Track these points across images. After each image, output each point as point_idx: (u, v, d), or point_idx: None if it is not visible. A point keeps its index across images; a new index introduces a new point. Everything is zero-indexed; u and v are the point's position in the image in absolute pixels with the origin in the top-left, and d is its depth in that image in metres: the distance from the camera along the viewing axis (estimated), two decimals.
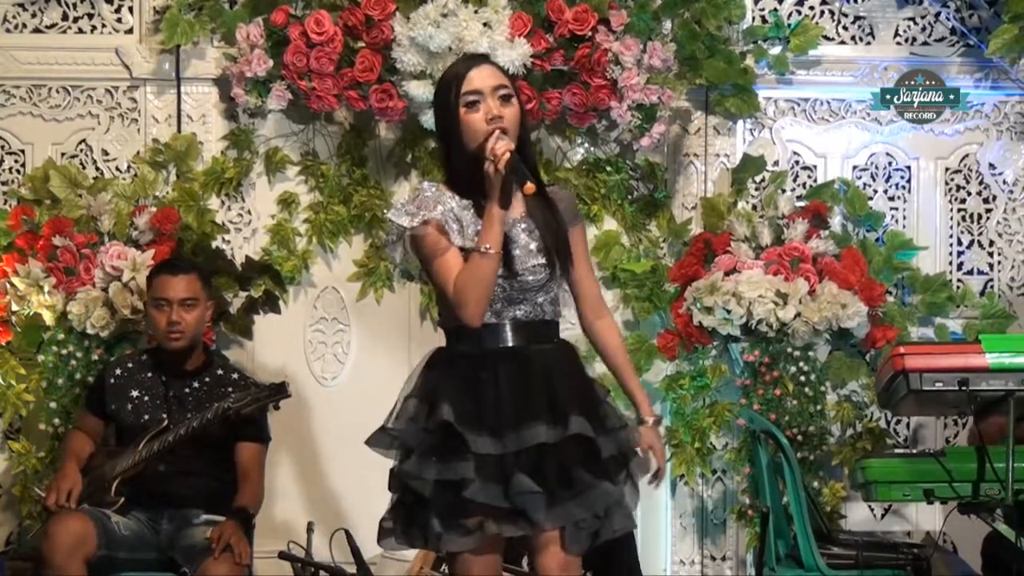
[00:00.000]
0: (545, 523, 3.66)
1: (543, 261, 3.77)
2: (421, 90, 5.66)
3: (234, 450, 5.21)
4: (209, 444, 5.14)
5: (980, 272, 6.15)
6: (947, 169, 6.15)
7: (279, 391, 5.14)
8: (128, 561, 5.04)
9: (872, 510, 6.00)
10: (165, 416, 5.19)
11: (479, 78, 3.75)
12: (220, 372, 5.33)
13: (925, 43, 6.13)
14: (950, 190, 6.15)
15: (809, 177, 6.15)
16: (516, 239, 3.76)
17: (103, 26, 6.10)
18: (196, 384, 5.29)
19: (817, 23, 6.08)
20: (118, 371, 5.32)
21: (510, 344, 3.75)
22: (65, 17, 6.09)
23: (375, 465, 6.07)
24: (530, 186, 3.65)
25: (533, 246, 3.77)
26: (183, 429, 5.08)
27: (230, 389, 5.25)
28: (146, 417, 5.21)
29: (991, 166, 6.14)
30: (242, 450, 5.22)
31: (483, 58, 3.91)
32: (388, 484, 3.86)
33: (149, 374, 5.30)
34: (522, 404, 3.69)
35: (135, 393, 5.26)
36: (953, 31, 6.12)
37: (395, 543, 3.82)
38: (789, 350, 5.74)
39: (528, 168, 3.76)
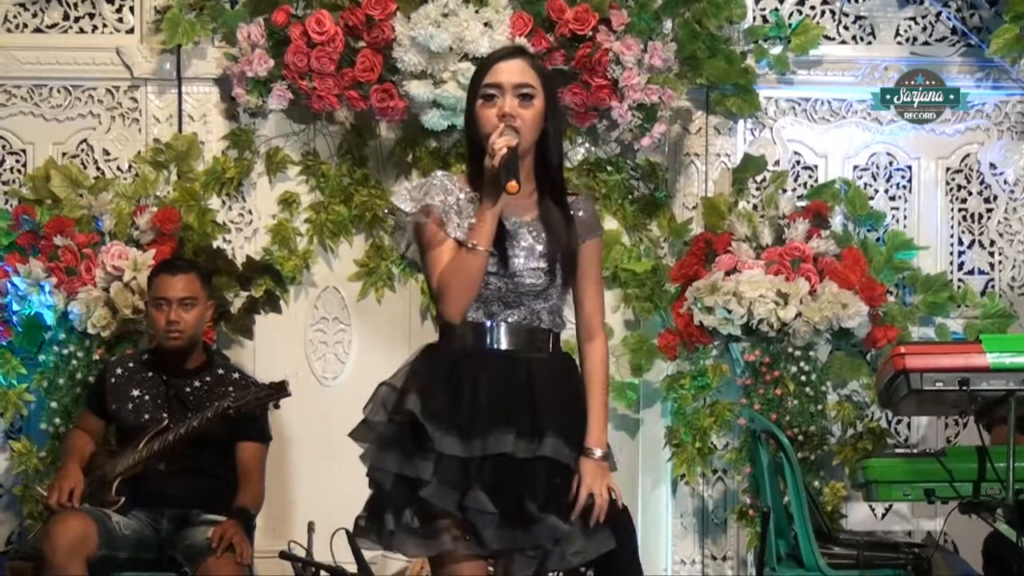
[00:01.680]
0: (492, 544, 3.55)
1: (544, 266, 3.65)
2: (422, 90, 5.66)
3: (234, 450, 5.21)
4: (209, 443, 5.14)
5: (981, 272, 6.15)
6: (948, 169, 6.15)
7: (279, 390, 5.13)
8: (128, 561, 5.04)
9: (873, 510, 6.00)
10: (165, 415, 5.19)
11: (503, 72, 3.63)
12: (221, 372, 5.34)
13: (926, 43, 6.13)
14: (951, 190, 6.15)
15: (810, 177, 6.15)
16: (520, 240, 3.65)
17: (104, 26, 6.10)
18: (197, 383, 5.29)
19: (818, 23, 6.08)
20: (119, 370, 5.32)
21: (500, 347, 3.64)
22: (66, 17, 6.09)
23: None
24: (513, 184, 3.50)
25: (537, 250, 3.66)
26: (183, 428, 5.08)
27: (230, 388, 5.26)
28: (146, 416, 5.21)
29: (992, 166, 6.14)
30: (243, 450, 5.22)
31: (517, 51, 3.74)
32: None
33: (150, 373, 5.30)
34: (498, 410, 3.56)
35: (136, 392, 5.26)
36: (954, 31, 6.12)
37: (365, 539, 3.67)
38: (790, 350, 5.74)
39: (550, 173, 3.68)
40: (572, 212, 3.73)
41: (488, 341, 3.64)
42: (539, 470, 3.56)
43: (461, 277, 3.58)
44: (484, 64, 3.69)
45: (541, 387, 3.61)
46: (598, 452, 3.65)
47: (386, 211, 3.79)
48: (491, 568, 3.72)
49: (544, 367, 3.65)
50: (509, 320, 3.65)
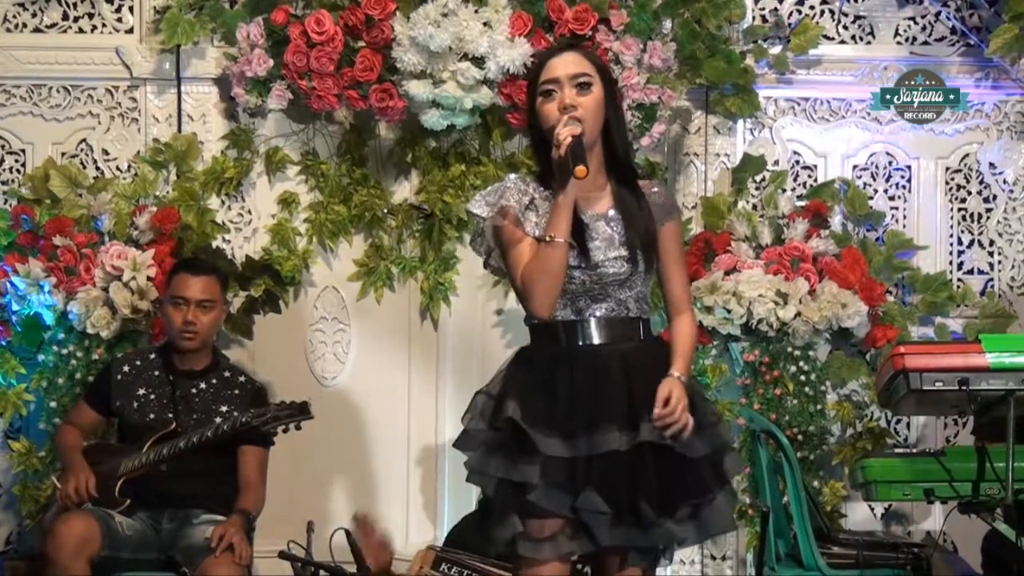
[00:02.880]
0: (607, 541, 3.58)
1: (625, 254, 3.68)
2: (421, 90, 5.66)
3: (236, 452, 5.20)
4: (212, 446, 5.12)
5: (980, 272, 6.15)
6: (947, 169, 6.15)
7: (302, 411, 5.07)
8: (130, 562, 5.03)
9: (872, 510, 6.00)
10: (171, 416, 5.18)
11: (559, 66, 3.68)
12: (227, 374, 5.32)
13: (925, 43, 6.13)
14: (950, 190, 6.15)
15: (809, 177, 6.15)
16: (598, 231, 3.69)
17: (103, 26, 6.10)
18: (203, 385, 5.27)
19: (817, 23, 6.08)
20: (125, 368, 5.30)
21: (592, 342, 3.66)
22: (65, 17, 6.09)
23: (375, 465, 6.10)
24: (581, 169, 3.54)
25: (616, 239, 3.69)
26: (196, 438, 5.04)
27: (236, 392, 5.25)
28: (151, 416, 5.20)
29: (991, 166, 6.14)
30: (245, 454, 5.20)
31: (569, 46, 3.83)
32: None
33: (156, 373, 5.28)
34: (597, 406, 3.59)
35: (142, 391, 5.24)
36: (953, 31, 6.12)
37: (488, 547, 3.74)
38: (789, 350, 5.75)
39: (617, 154, 3.71)
40: (647, 197, 3.76)
41: (580, 338, 3.67)
42: (645, 460, 3.57)
43: (544, 272, 3.61)
44: (538, 64, 3.76)
45: (636, 376, 3.63)
46: (676, 373, 3.66)
47: (474, 230, 3.78)
48: (580, 566, 3.74)
49: (637, 356, 3.67)
50: (598, 314, 3.68)
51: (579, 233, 3.66)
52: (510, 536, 3.60)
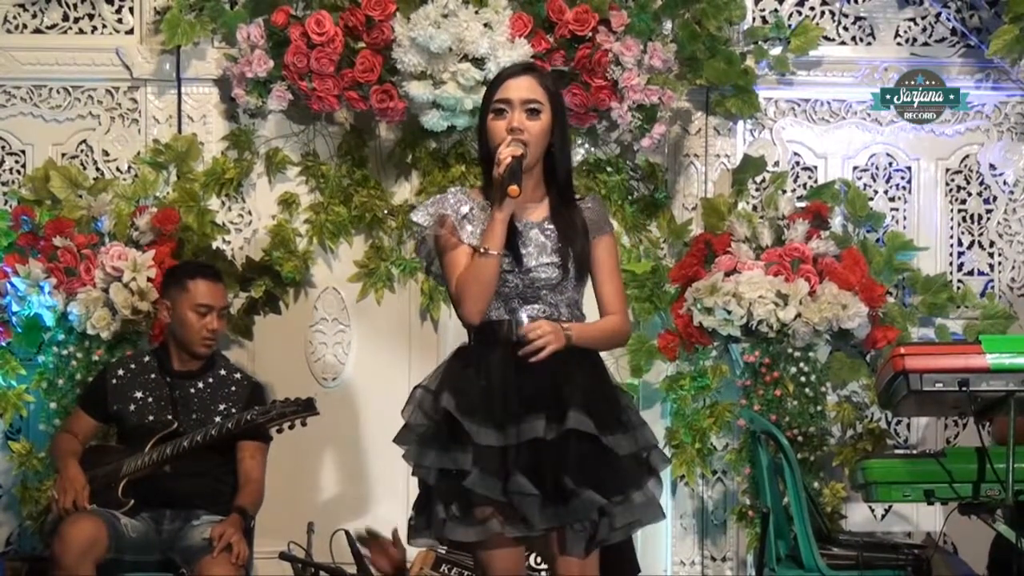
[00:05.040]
0: (539, 524, 3.73)
1: (556, 260, 3.86)
2: (421, 91, 5.66)
3: (235, 448, 5.20)
4: (213, 445, 5.12)
5: (980, 273, 6.15)
6: (947, 170, 6.15)
7: (307, 408, 5.09)
8: (133, 563, 5.03)
9: (872, 511, 6.01)
10: (171, 417, 5.18)
11: (513, 89, 3.88)
12: (223, 372, 5.32)
13: (925, 44, 6.13)
14: (950, 191, 6.15)
15: (809, 178, 6.15)
16: (531, 238, 3.87)
17: (104, 27, 6.10)
18: (200, 385, 5.27)
19: (817, 24, 6.08)
20: (120, 372, 5.30)
21: (523, 338, 3.80)
22: (66, 18, 6.09)
23: (375, 465, 6.10)
24: (514, 189, 3.74)
25: (548, 246, 3.87)
26: (200, 436, 5.05)
27: (234, 389, 5.25)
28: (150, 418, 5.20)
29: (991, 167, 6.14)
30: (244, 449, 5.19)
31: (528, 68, 3.99)
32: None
33: (152, 375, 5.28)
34: (526, 399, 3.75)
35: (138, 394, 5.24)
36: (954, 32, 6.12)
37: (419, 538, 3.87)
38: (789, 351, 5.74)
39: (557, 178, 3.91)
40: (582, 212, 3.95)
41: (512, 334, 3.83)
42: (570, 446, 3.73)
43: (476, 281, 3.81)
44: (496, 81, 3.95)
45: (564, 373, 3.79)
46: (566, 327, 3.81)
47: (402, 220, 3.94)
48: (537, 562, 3.81)
49: (566, 355, 3.81)
50: (530, 313, 3.85)
51: (513, 240, 3.84)
52: (450, 521, 3.76)
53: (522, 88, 3.87)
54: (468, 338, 3.91)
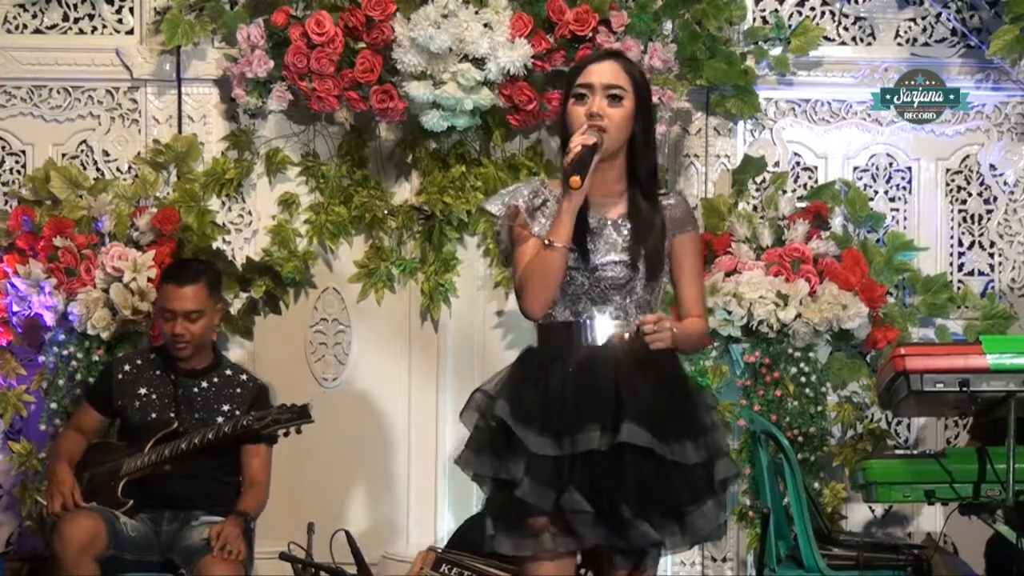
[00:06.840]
0: (590, 540, 3.63)
1: (626, 259, 3.72)
2: (422, 91, 5.66)
3: (238, 452, 5.19)
4: (215, 447, 5.11)
5: (981, 273, 6.15)
6: (948, 170, 6.15)
7: (302, 415, 5.07)
8: (133, 562, 5.03)
9: (873, 511, 6.00)
10: (173, 415, 5.17)
11: (595, 73, 3.73)
12: (228, 372, 5.30)
13: (926, 44, 6.13)
14: (951, 191, 6.15)
15: (810, 178, 6.15)
16: (603, 235, 3.73)
17: (104, 27, 6.10)
18: (205, 384, 5.26)
19: (818, 24, 6.08)
20: (126, 367, 5.29)
21: (588, 343, 3.69)
22: (66, 18, 6.09)
23: (375, 466, 6.10)
24: (575, 180, 3.58)
25: (619, 244, 3.73)
26: (197, 439, 5.04)
27: (238, 390, 5.24)
28: (153, 416, 5.19)
29: (992, 167, 6.14)
30: (249, 453, 5.18)
31: (614, 54, 3.87)
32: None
33: (158, 372, 5.27)
34: (584, 407, 3.62)
35: (143, 391, 5.23)
36: (954, 32, 6.12)
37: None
38: (790, 351, 5.74)
39: (642, 173, 3.75)
40: (663, 209, 3.80)
41: (577, 338, 3.70)
42: (627, 464, 3.59)
43: (539, 273, 3.66)
44: (578, 66, 3.82)
45: (625, 378, 3.65)
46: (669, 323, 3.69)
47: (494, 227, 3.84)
48: (583, 570, 3.80)
49: (631, 359, 3.68)
50: (597, 316, 3.71)
51: (582, 235, 3.70)
52: (498, 534, 3.66)
53: (605, 73, 3.73)
54: (537, 339, 3.77)
